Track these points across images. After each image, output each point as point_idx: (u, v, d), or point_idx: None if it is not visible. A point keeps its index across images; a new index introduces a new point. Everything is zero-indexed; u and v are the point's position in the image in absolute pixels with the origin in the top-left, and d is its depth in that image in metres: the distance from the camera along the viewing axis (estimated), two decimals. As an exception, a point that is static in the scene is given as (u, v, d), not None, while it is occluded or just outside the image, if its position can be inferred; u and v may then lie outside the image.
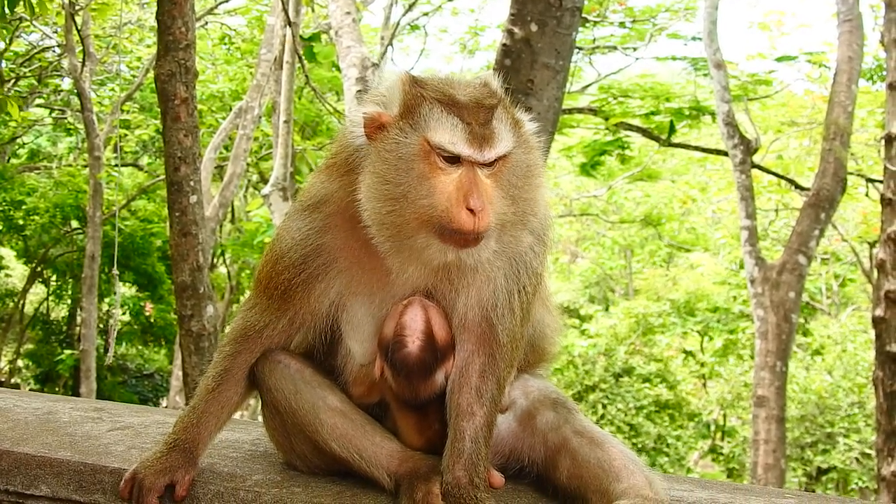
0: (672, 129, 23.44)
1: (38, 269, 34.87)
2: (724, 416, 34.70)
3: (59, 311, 38.66)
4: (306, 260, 3.61)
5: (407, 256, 3.36)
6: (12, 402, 5.14)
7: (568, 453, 3.62)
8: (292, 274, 3.63)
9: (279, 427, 3.83)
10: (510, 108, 3.50)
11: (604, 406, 30.27)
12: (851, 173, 22.82)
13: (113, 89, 29.21)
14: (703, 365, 37.05)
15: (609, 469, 3.51)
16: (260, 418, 4.20)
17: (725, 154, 21.76)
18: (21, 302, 36.59)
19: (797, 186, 23.45)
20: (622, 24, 25.82)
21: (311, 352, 3.85)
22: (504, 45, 8.57)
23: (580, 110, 24.83)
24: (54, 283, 36.75)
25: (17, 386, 33.48)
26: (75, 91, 24.27)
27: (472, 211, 3.19)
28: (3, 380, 34.13)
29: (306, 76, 16.09)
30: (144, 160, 34.57)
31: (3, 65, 24.39)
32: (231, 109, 25.73)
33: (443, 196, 3.22)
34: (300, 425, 3.73)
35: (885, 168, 13.11)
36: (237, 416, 4.13)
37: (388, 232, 3.30)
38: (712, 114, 22.53)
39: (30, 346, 36.57)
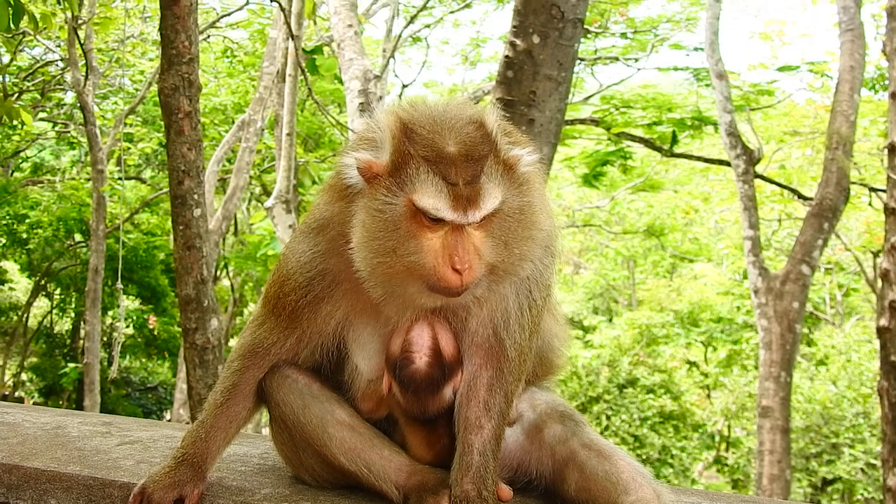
0: (674, 140, 23.47)
1: (42, 282, 34.91)
2: (729, 426, 34.66)
3: (63, 325, 38.71)
4: (311, 283, 3.62)
5: (400, 303, 3.38)
6: (21, 417, 5.15)
7: (576, 466, 3.63)
8: (298, 296, 3.64)
9: (287, 441, 3.84)
10: (502, 153, 3.37)
11: (608, 417, 30.23)
12: (854, 183, 22.80)
13: (116, 103, 29.27)
14: (707, 375, 36.98)
15: (617, 482, 3.51)
16: (265, 431, 4.20)
17: (728, 164, 21.77)
18: (25, 315, 36.63)
19: (800, 196, 23.48)
20: (624, 35, 25.90)
21: (318, 367, 3.85)
22: (506, 56, 8.60)
23: (582, 121, 24.86)
24: (58, 297, 36.80)
25: (20, 399, 33.51)
26: (78, 105, 24.28)
27: (457, 270, 3.19)
28: (6, 393, 34.12)
29: (309, 89, 16.09)
30: (147, 173, 34.62)
31: (7, 79, 24.44)
32: (234, 122, 25.76)
33: (429, 255, 3.20)
34: (308, 439, 3.73)
35: (888, 177, 13.10)
36: (242, 429, 4.14)
37: (379, 280, 3.30)
38: (714, 124, 22.55)
39: (34, 359, 36.64)
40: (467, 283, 3.22)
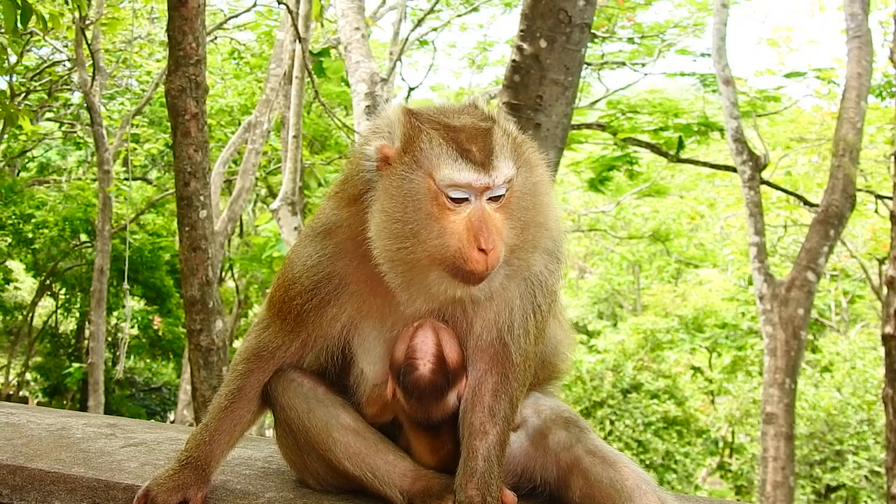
0: (681, 145, 23.46)
1: (47, 282, 34.96)
2: (733, 432, 34.64)
3: (68, 325, 38.77)
4: (317, 286, 3.61)
5: (417, 291, 3.35)
6: (26, 418, 5.15)
7: (580, 473, 3.62)
8: (304, 299, 3.63)
9: (292, 445, 3.83)
10: (507, 128, 3.47)
11: (611, 422, 30.22)
12: (860, 190, 22.77)
13: (122, 103, 29.32)
14: (711, 381, 36.98)
15: (622, 489, 3.50)
16: (268, 434, 4.21)
17: (734, 170, 21.73)
18: (30, 315, 36.69)
19: (806, 203, 23.45)
20: (631, 40, 25.91)
21: (323, 371, 3.85)
22: (513, 61, 8.60)
23: (589, 126, 24.85)
24: (63, 297, 36.86)
25: (24, 399, 33.55)
26: (85, 105, 24.32)
27: (483, 250, 3.19)
28: (11, 392, 34.18)
29: (315, 91, 16.09)
30: (153, 174, 34.71)
31: (14, 79, 24.47)
32: (240, 124, 25.77)
33: (454, 237, 3.21)
34: (313, 443, 3.73)
35: (895, 184, 13.09)
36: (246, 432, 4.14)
37: (398, 268, 3.29)
38: (721, 130, 22.52)
39: (38, 359, 36.67)
40: (492, 265, 3.22)
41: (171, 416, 34.42)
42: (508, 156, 3.33)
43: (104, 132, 23.46)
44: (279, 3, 15.91)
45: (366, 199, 3.41)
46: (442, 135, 3.29)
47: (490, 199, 3.28)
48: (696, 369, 37.59)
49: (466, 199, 3.24)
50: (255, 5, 24.56)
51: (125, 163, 25.18)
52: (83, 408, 27.51)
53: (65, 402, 33.43)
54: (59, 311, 37.54)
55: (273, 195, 28.16)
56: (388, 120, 3.46)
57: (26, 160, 35.59)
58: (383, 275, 3.37)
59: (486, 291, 3.35)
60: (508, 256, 3.31)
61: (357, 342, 3.70)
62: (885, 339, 12.37)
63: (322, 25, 23.19)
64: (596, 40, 24.44)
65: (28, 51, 26.45)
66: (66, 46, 25.38)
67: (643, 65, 26.49)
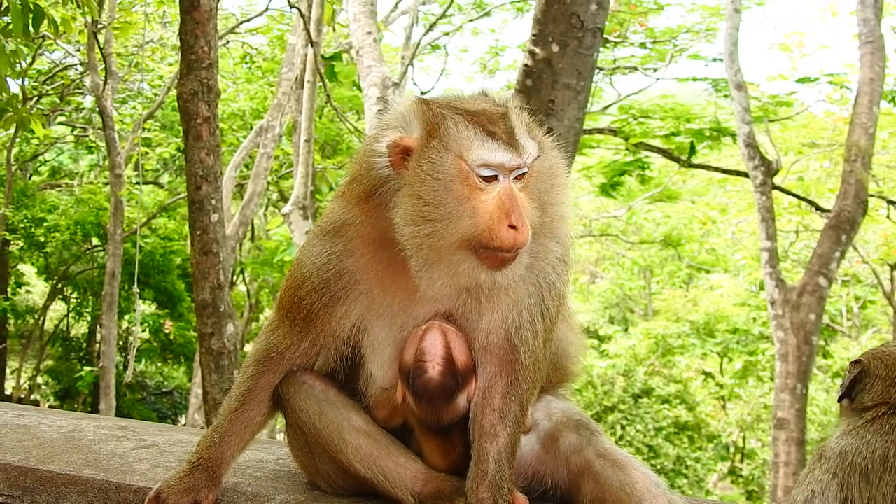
0: (692, 150, 23.42)
1: (59, 286, 35.02)
2: (744, 438, 34.59)
3: (79, 328, 38.80)
4: (328, 284, 3.61)
5: (439, 275, 3.36)
6: (37, 420, 5.16)
7: (591, 476, 3.62)
8: (314, 298, 3.63)
9: (303, 447, 3.84)
10: (520, 113, 3.54)
11: (623, 427, 30.21)
12: (872, 195, 22.71)
13: (135, 107, 29.33)
14: (722, 387, 36.90)
15: (632, 492, 3.51)
16: (280, 437, 4.21)
17: (746, 175, 21.69)
18: (41, 318, 36.76)
19: (818, 208, 23.37)
20: (643, 45, 25.89)
21: (333, 374, 3.84)
22: (525, 65, 8.59)
23: (600, 130, 24.84)
24: (74, 300, 36.89)
25: (36, 402, 33.58)
26: (97, 109, 24.37)
27: (513, 227, 3.22)
28: (22, 396, 34.22)
29: (327, 95, 16.15)
30: (165, 178, 34.74)
31: (27, 82, 24.53)
32: (252, 128, 25.83)
33: (485, 216, 3.24)
34: (324, 445, 3.73)
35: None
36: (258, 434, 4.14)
37: (425, 253, 3.31)
38: (733, 135, 22.49)
39: (49, 362, 36.71)
40: (520, 243, 3.26)
41: (182, 420, 34.43)
42: (530, 139, 3.41)
43: (116, 136, 23.49)
44: (291, 8, 15.95)
45: (379, 195, 3.45)
46: (466, 118, 3.34)
47: (515, 178, 3.33)
48: (708, 374, 37.50)
49: (495, 179, 3.29)
50: (267, 9, 24.64)
51: (137, 167, 25.22)
52: (94, 411, 27.51)
53: (76, 406, 33.46)
54: (70, 315, 37.57)
55: (284, 199, 28.19)
56: (401, 112, 3.50)
57: (38, 164, 35.66)
58: (394, 267, 3.44)
59: (508, 279, 3.38)
60: (533, 235, 3.35)
61: (366, 343, 3.70)
62: (897, 344, 12.31)
63: (334, 30, 23.21)
64: (608, 45, 24.42)
65: (40, 55, 26.53)
66: (79, 50, 25.43)
67: (655, 69, 26.47)
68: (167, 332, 32.36)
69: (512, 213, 3.24)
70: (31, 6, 10.12)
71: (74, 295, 36.53)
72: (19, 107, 13.49)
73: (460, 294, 3.50)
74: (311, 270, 3.66)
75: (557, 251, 3.62)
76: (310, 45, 15.91)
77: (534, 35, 8.52)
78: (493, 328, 3.59)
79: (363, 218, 3.54)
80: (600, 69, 24.41)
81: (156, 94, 28.21)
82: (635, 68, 26.51)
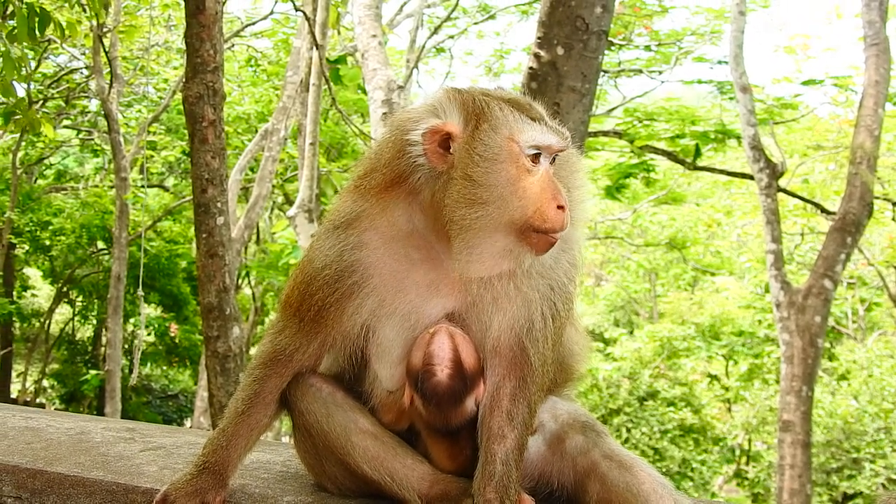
0: (698, 153, 23.42)
1: (65, 289, 35.08)
2: (749, 440, 34.56)
3: (85, 332, 38.87)
4: (341, 277, 3.60)
5: (480, 258, 3.41)
6: (45, 422, 5.17)
7: (597, 477, 3.62)
8: (326, 293, 3.61)
9: (310, 449, 3.83)
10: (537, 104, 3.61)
11: (628, 430, 30.18)
12: (878, 197, 22.69)
13: (140, 111, 29.39)
14: (727, 389, 36.90)
15: (638, 494, 3.50)
16: (284, 439, 4.21)
17: (751, 178, 21.69)
18: (47, 322, 36.81)
19: (823, 210, 23.36)
20: (648, 48, 25.86)
21: (341, 376, 3.85)
22: (530, 68, 8.59)
23: (605, 133, 24.84)
24: (80, 304, 36.95)
25: (42, 406, 33.62)
26: (102, 112, 24.42)
27: (560, 208, 3.31)
28: (28, 399, 34.26)
29: (332, 98, 16.15)
30: (170, 181, 34.78)
31: (32, 86, 24.58)
32: (257, 131, 25.84)
33: (533, 197, 3.32)
34: (331, 447, 3.73)
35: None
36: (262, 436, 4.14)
37: (471, 235, 3.35)
38: (738, 137, 22.47)
39: (55, 365, 36.77)
40: (566, 223, 3.34)
41: (188, 423, 34.44)
42: (562, 127, 3.50)
43: (121, 139, 23.55)
44: (296, 11, 15.96)
45: (408, 184, 3.50)
46: (513, 108, 3.42)
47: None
48: (713, 377, 37.49)
49: (538, 160, 3.37)
50: (272, 13, 24.62)
51: (142, 170, 25.26)
52: (100, 415, 27.51)
53: (82, 409, 33.49)
54: (76, 319, 37.64)
55: (290, 202, 28.19)
56: (436, 102, 3.52)
57: (44, 167, 35.71)
58: (407, 260, 3.52)
59: (546, 262, 3.51)
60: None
61: (373, 343, 3.69)
62: (903, 346, 12.34)
63: (339, 33, 23.22)
64: (613, 48, 24.39)
65: (46, 58, 26.60)
66: (84, 54, 25.50)
67: (660, 72, 26.43)
68: (173, 335, 32.38)
69: (559, 194, 3.33)
70: (37, 10, 10.15)
71: (80, 298, 36.60)
72: (27, 110, 13.51)
73: (484, 285, 3.53)
74: (323, 264, 3.64)
75: (569, 252, 3.64)
76: (315, 49, 15.91)
77: (539, 38, 8.52)
78: (504, 329, 3.59)
79: (378, 210, 3.55)
80: (605, 72, 24.38)
81: (161, 98, 28.26)
82: (640, 71, 26.48)
